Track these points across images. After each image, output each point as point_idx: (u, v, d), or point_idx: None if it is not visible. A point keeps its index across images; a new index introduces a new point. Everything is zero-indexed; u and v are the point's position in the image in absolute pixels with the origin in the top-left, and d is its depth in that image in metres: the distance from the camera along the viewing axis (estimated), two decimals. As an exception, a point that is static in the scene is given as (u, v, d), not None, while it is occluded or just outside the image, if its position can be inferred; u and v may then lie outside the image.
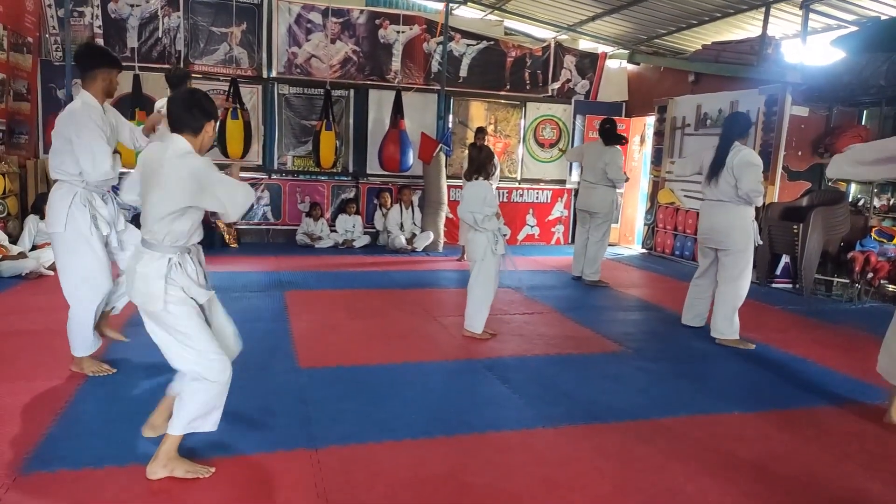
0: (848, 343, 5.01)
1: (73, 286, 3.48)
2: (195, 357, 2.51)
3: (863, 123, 7.18)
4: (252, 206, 2.40)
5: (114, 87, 3.60)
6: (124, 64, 8.00)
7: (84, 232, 3.42)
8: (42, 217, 6.37)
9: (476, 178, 4.59)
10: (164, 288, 2.45)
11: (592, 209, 6.73)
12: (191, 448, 2.73)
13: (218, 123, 2.72)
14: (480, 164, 4.61)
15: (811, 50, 7.41)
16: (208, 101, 2.57)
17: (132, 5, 7.99)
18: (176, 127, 2.54)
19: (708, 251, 4.98)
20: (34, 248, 6.27)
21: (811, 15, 7.05)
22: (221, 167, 2.64)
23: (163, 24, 8.14)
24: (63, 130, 3.39)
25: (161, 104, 4.51)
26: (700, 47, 8.65)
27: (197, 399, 2.53)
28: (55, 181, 3.53)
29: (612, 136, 6.68)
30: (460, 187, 9.23)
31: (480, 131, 7.73)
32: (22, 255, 5.95)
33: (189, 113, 2.52)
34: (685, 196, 8.51)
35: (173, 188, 2.42)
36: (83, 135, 3.34)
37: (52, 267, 6.05)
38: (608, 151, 6.63)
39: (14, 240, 6.34)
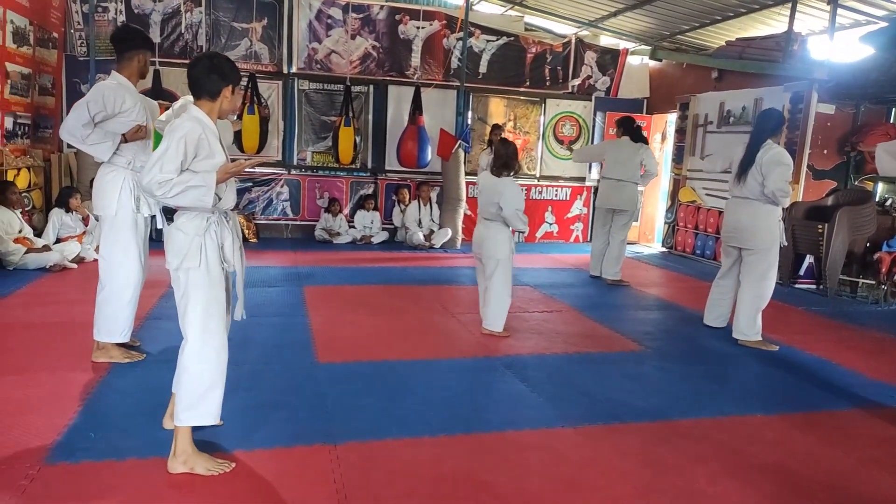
0: (873, 345, 4.92)
1: (115, 266, 3.58)
2: (201, 327, 2.52)
3: (891, 121, 7.03)
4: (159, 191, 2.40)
5: (147, 68, 3.73)
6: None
7: (131, 217, 3.56)
8: (67, 210, 6.47)
9: (506, 175, 4.55)
10: (201, 246, 2.48)
11: (620, 206, 6.68)
12: (209, 442, 2.75)
13: (239, 94, 2.73)
14: (508, 159, 4.55)
15: (838, 46, 7.27)
16: (229, 65, 2.53)
17: (155, 0, 8.06)
18: (194, 91, 2.54)
19: (731, 250, 4.90)
20: (58, 240, 6.36)
21: (839, 10, 6.90)
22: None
23: (185, 19, 8.20)
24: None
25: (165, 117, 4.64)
26: (724, 43, 8.53)
27: (192, 378, 2.54)
28: (100, 163, 3.62)
29: (640, 134, 6.76)
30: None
31: (496, 128, 7.70)
32: (46, 248, 6.04)
33: (207, 76, 2.49)
34: (706, 194, 8.40)
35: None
36: (91, 104, 3.49)
37: (76, 260, 6.17)
38: (643, 148, 6.68)
39: (38, 233, 6.44)
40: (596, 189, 8.41)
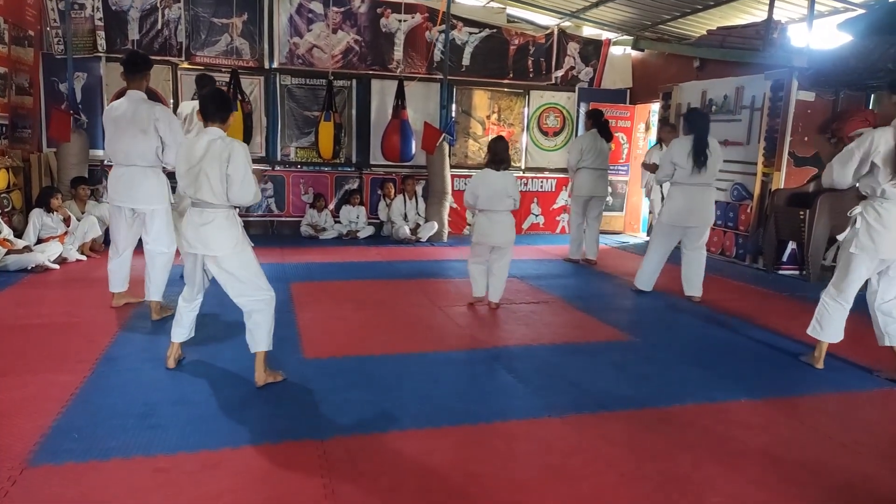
0: (855, 330, 4.94)
1: (170, 240, 4.54)
2: (266, 285, 3.37)
3: (870, 108, 7.10)
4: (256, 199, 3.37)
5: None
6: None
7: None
8: (48, 210, 6.37)
9: (504, 168, 5.09)
10: (241, 232, 3.31)
11: (601, 193, 7.25)
12: (201, 440, 2.73)
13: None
14: (506, 153, 5.16)
15: (817, 34, 7.33)
16: (229, 98, 3.41)
17: (133, -3, 7.95)
18: (209, 119, 3.25)
19: (678, 230, 5.64)
20: (39, 241, 6.27)
21: (817, -2, 6.96)
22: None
23: (163, 15, 8.10)
24: (145, 121, 4.26)
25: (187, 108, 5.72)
26: (705, 33, 8.57)
27: (266, 319, 3.36)
28: (134, 166, 4.39)
29: (608, 131, 7.25)
30: (465, 177, 9.23)
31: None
32: (27, 249, 5.96)
33: (219, 108, 3.27)
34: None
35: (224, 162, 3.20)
36: (174, 127, 4.37)
37: (58, 260, 6.10)
38: (604, 142, 7.26)
39: (19, 234, 6.35)
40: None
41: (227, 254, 3.26)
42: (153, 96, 6.84)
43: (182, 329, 3.58)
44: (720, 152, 5.56)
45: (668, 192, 5.71)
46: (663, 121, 7.15)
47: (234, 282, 3.31)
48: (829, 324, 4.00)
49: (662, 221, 5.75)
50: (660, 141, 8.32)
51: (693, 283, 5.70)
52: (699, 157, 5.37)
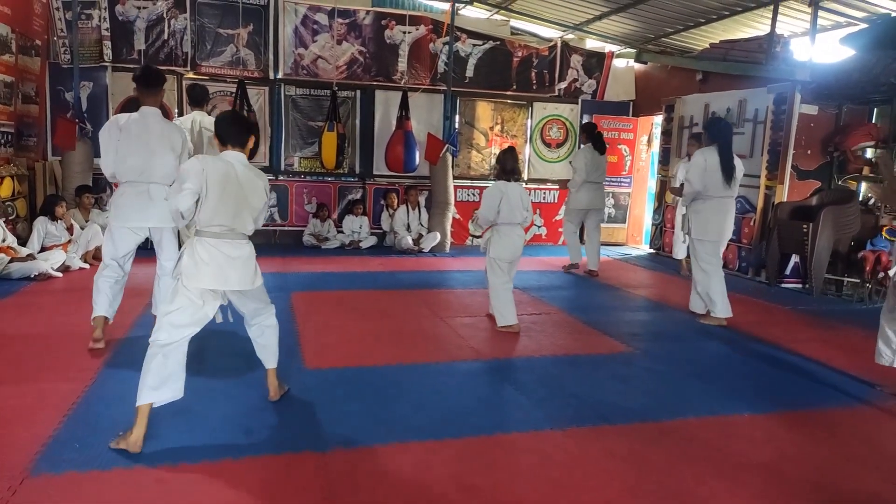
0: (858, 344, 4.96)
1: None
2: (268, 304, 3.31)
3: (873, 121, 7.11)
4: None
5: None
6: (132, 66, 8.12)
7: None
8: (53, 219, 6.39)
9: (515, 180, 5.01)
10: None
11: (599, 206, 7.42)
12: (206, 448, 2.73)
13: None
14: (516, 164, 5.06)
15: (820, 48, 7.36)
16: (248, 120, 3.20)
17: (139, 7, 8.02)
18: (226, 142, 3.00)
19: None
20: (43, 249, 6.29)
21: (820, 12, 6.98)
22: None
23: (169, 26, 8.16)
24: (174, 139, 4.14)
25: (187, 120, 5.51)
26: (708, 46, 8.60)
27: (276, 334, 3.36)
28: (154, 184, 4.07)
29: (602, 144, 7.32)
30: (468, 188, 9.25)
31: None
32: (31, 257, 5.97)
33: (241, 131, 3.02)
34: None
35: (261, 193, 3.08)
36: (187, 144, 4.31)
37: (61, 268, 6.12)
38: (598, 154, 7.36)
39: (23, 241, 6.37)
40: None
41: (259, 284, 3.12)
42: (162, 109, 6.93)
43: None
44: (741, 164, 5.35)
45: (693, 208, 5.32)
46: (696, 136, 6.76)
47: (254, 304, 3.20)
48: None
49: (704, 240, 5.27)
50: (689, 156, 7.26)
51: (697, 302, 5.57)
52: (728, 169, 5.06)
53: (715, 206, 5.20)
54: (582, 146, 7.59)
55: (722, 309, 5.26)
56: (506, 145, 9.55)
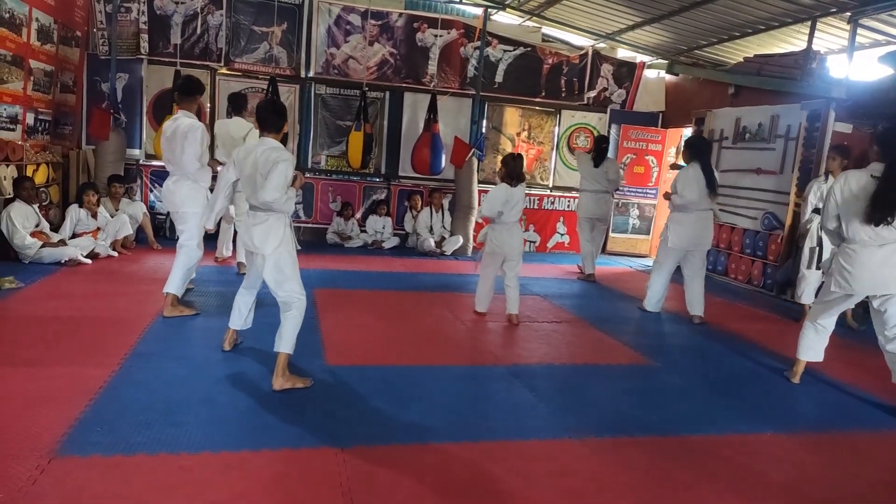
0: (885, 367, 4.85)
1: (199, 242, 4.79)
2: (300, 287, 3.59)
3: (909, 142, 6.97)
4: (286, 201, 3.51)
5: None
6: (168, 60, 8.24)
7: None
8: (81, 205, 6.53)
9: (517, 184, 5.18)
10: (289, 233, 3.57)
11: (599, 214, 7.60)
12: (223, 441, 2.76)
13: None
14: (521, 170, 5.27)
15: (857, 66, 7.23)
16: (283, 108, 3.63)
17: (177, 2, 8.15)
18: (264, 128, 3.54)
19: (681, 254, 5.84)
20: (74, 236, 6.43)
21: (859, 30, 6.86)
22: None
23: (205, 21, 8.29)
24: (202, 139, 4.62)
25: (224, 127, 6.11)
26: (742, 59, 8.51)
27: (297, 318, 3.55)
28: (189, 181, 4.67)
29: (603, 154, 7.58)
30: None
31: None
32: (62, 243, 6.10)
33: (275, 117, 3.54)
34: (720, 209, 8.35)
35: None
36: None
37: (90, 255, 6.24)
38: (612, 162, 7.73)
39: (55, 227, 6.51)
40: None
41: (270, 252, 3.51)
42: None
43: (236, 315, 3.94)
44: (717, 177, 5.84)
45: (672, 218, 5.84)
46: (841, 150, 5.94)
47: (276, 273, 3.54)
48: None
49: (669, 246, 5.83)
50: (827, 174, 6.08)
51: (696, 304, 5.86)
52: (711, 183, 5.58)
53: (695, 218, 5.68)
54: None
55: (648, 302, 6.06)
56: (531, 152, 9.60)
